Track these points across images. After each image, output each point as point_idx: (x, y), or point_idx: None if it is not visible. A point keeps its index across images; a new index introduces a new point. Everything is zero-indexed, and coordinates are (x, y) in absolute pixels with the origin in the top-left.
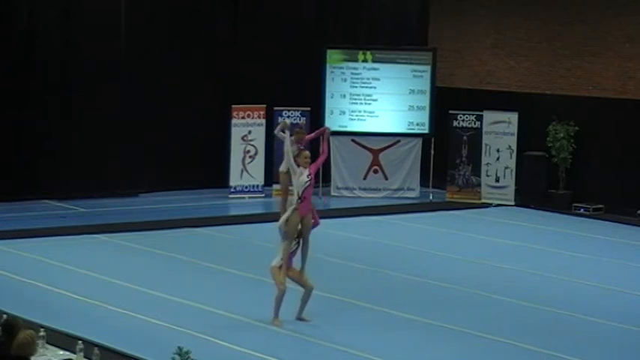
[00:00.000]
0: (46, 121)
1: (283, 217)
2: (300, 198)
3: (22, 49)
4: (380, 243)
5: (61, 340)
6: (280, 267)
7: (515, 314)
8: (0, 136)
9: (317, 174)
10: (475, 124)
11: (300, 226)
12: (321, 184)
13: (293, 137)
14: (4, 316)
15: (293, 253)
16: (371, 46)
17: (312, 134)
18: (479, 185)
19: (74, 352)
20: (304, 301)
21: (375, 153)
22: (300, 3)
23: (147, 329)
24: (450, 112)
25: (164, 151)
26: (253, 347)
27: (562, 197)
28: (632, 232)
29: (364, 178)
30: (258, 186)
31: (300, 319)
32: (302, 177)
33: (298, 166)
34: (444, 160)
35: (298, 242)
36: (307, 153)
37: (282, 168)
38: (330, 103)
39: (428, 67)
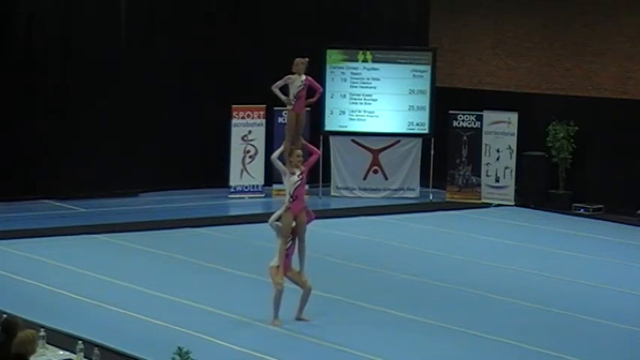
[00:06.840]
0: (46, 121)
1: (274, 215)
2: (292, 197)
3: (22, 50)
4: (380, 243)
5: (61, 340)
6: (278, 267)
7: (515, 314)
8: (0, 137)
9: (313, 172)
10: (475, 124)
11: (294, 224)
12: (320, 184)
13: (293, 69)
14: (4, 316)
15: (290, 252)
16: (371, 46)
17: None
18: (479, 185)
19: (74, 352)
20: (303, 301)
21: (375, 153)
22: (300, 3)
23: (147, 329)
24: (450, 112)
25: (164, 151)
26: (253, 347)
27: (562, 197)
28: (632, 232)
29: (364, 178)
30: (258, 186)
31: (299, 319)
32: (293, 177)
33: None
34: (443, 160)
35: (293, 239)
36: (299, 152)
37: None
38: (330, 103)
39: (428, 67)
